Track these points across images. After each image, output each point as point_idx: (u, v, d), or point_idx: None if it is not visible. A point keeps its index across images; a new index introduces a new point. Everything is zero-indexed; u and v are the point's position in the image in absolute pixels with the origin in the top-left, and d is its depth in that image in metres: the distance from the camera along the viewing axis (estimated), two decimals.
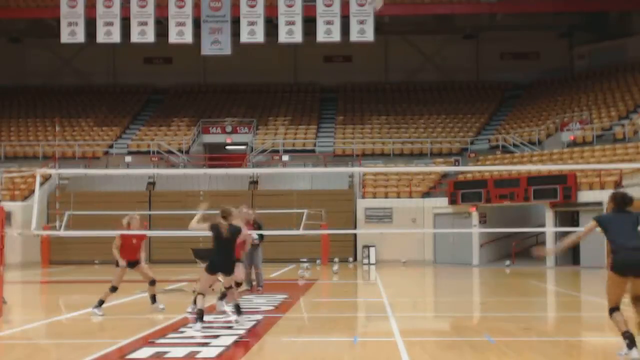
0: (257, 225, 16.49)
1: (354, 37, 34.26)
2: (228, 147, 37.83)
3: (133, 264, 12.36)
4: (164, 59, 41.22)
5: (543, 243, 27.48)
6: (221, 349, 8.67)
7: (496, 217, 27.43)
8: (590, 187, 25.64)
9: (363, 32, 34.08)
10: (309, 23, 34.18)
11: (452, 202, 28.17)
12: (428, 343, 9.54)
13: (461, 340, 9.64)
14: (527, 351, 8.59)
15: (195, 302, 10.76)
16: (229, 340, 9.23)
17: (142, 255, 12.40)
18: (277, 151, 35.16)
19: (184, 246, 19.09)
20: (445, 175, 31.75)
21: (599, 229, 8.28)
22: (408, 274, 24.46)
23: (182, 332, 9.98)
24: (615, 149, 28.78)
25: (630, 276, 7.94)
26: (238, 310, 10.51)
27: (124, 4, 34.54)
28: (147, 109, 40.74)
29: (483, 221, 27.68)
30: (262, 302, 13.61)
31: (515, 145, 33.27)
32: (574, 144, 31.47)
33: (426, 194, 30.56)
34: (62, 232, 25.05)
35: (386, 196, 30.61)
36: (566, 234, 9.37)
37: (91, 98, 41.03)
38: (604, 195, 23.96)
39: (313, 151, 35.50)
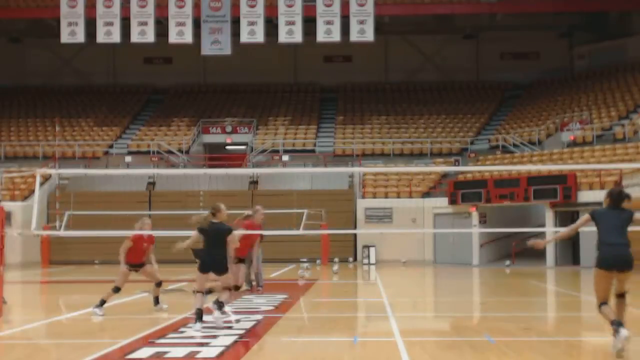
0: None
1: (354, 37, 34.26)
2: (228, 147, 37.83)
3: (138, 266, 12.29)
4: (164, 59, 41.22)
5: None
6: (221, 349, 8.67)
7: (496, 217, 27.43)
8: (590, 187, 25.64)
9: (363, 32, 34.09)
10: (309, 23, 34.18)
11: (452, 202, 28.17)
12: (428, 343, 9.54)
13: (461, 340, 9.64)
14: (527, 351, 8.59)
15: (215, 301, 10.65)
16: (229, 340, 9.23)
17: (152, 257, 12.34)
18: (277, 151, 35.16)
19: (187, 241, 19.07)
20: (445, 175, 31.76)
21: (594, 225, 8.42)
22: (408, 274, 24.46)
23: (182, 332, 9.98)
24: (615, 149, 28.78)
25: (614, 271, 8.10)
26: (220, 306, 10.32)
27: (124, 4, 34.54)
28: (147, 109, 40.75)
29: (483, 221, 27.68)
30: (262, 302, 13.61)
31: (515, 145, 33.28)
32: (574, 144, 31.48)
33: (426, 194, 30.56)
34: (62, 232, 25.06)
35: (386, 196, 30.62)
36: None
37: (91, 98, 41.04)
38: (604, 196, 23.99)
39: (313, 151, 35.50)
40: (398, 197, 30.54)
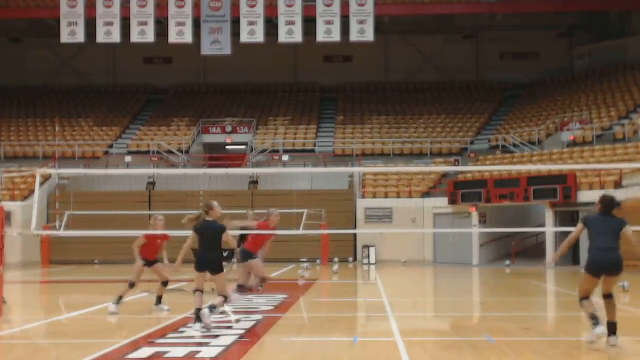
0: None
1: (354, 37, 34.27)
2: (228, 147, 37.84)
3: (151, 263, 12.42)
4: (164, 59, 41.22)
5: (543, 243, 27.51)
6: (221, 349, 8.67)
7: (496, 217, 27.43)
8: (590, 187, 25.63)
9: (363, 32, 34.09)
10: (309, 23, 34.19)
11: (452, 202, 28.17)
12: (428, 343, 9.53)
13: (461, 340, 9.64)
14: (527, 351, 8.59)
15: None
16: (229, 340, 9.23)
17: (165, 254, 12.47)
18: (277, 151, 35.17)
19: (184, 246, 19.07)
20: (445, 175, 31.76)
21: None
22: (408, 274, 24.46)
23: (182, 332, 9.97)
24: (615, 149, 28.78)
25: (603, 275, 8.61)
26: (211, 310, 9.92)
27: (124, 4, 34.55)
28: (147, 109, 40.75)
29: (483, 221, 27.68)
30: (262, 302, 13.61)
31: (515, 145, 33.28)
32: (574, 144, 31.47)
33: (426, 194, 30.56)
34: (62, 232, 25.05)
35: (386, 196, 30.62)
36: (567, 234, 9.56)
37: (91, 98, 41.04)
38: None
39: (313, 151, 35.50)
40: (398, 197, 30.54)
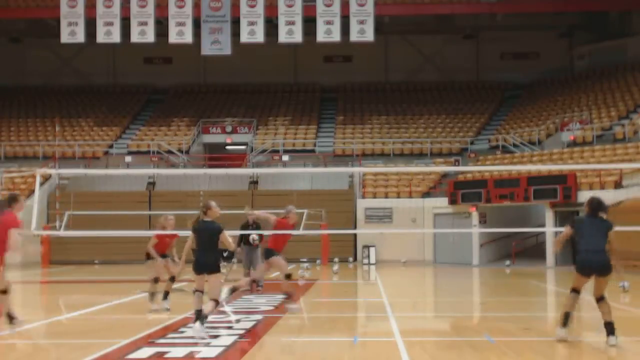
0: (255, 226, 16.53)
1: (354, 37, 34.26)
2: (228, 147, 37.84)
3: (161, 257, 12.77)
4: (164, 59, 41.22)
5: (543, 243, 27.51)
6: (221, 349, 8.67)
7: (496, 217, 27.43)
8: (590, 187, 25.63)
9: (363, 32, 34.08)
10: (309, 23, 34.18)
11: (452, 202, 28.17)
12: (428, 343, 9.54)
13: (461, 340, 9.64)
14: (527, 351, 8.59)
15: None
16: (229, 340, 9.23)
17: (174, 251, 12.88)
18: (277, 151, 35.16)
19: (184, 246, 19.07)
20: (445, 175, 31.75)
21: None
22: (408, 274, 24.46)
23: (182, 332, 9.98)
24: (615, 149, 28.78)
25: (592, 275, 8.92)
26: (201, 317, 9.56)
27: (124, 4, 34.54)
28: (147, 109, 40.75)
29: (483, 221, 27.68)
30: (262, 302, 13.61)
31: (515, 145, 33.28)
32: (574, 144, 31.47)
33: (426, 194, 30.56)
34: (62, 232, 25.04)
35: (386, 196, 30.61)
36: None
37: (91, 98, 41.04)
38: (604, 195, 23.90)
39: (313, 151, 35.49)
40: (398, 197, 30.53)
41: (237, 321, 10.78)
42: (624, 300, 14.57)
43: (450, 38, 40.97)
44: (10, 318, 10.13)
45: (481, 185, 27.69)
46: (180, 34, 34.48)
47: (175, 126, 37.94)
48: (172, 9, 34.43)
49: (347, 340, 9.63)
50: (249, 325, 10.56)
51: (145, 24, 34.54)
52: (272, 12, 34.62)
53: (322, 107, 40.49)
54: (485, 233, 27.30)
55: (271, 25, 34.90)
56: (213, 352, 8.44)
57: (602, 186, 25.17)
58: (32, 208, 12.08)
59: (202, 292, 10.13)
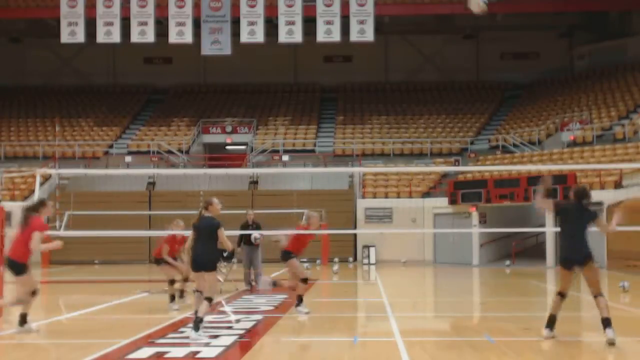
0: (255, 226, 16.55)
1: (354, 37, 34.25)
2: (228, 147, 37.83)
3: (159, 262, 13.30)
4: (164, 59, 41.22)
5: (543, 243, 27.50)
6: (221, 349, 8.67)
7: (496, 217, 27.42)
8: (590, 187, 25.59)
9: (363, 32, 34.08)
10: (309, 23, 34.17)
11: (452, 202, 28.16)
12: (428, 343, 9.53)
13: (461, 340, 9.64)
14: (527, 351, 8.59)
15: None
16: (229, 340, 9.23)
17: (183, 257, 13.25)
18: (277, 151, 35.16)
19: (186, 247, 19.11)
20: (445, 175, 31.75)
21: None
22: (408, 274, 24.46)
23: (182, 332, 9.97)
24: (615, 149, 28.78)
25: (575, 267, 9.04)
26: (197, 323, 9.44)
27: (124, 4, 34.53)
28: (147, 109, 40.75)
29: (483, 221, 27.67)
30: (262, 302, 13.62)
31: (515, 145, 33.28)
32: (574, 144, 31.47)
33: (426, 194, 30.55)
34: (62, 232, 24.97)
35: (386, 196, 30.61)
36: None
37: (91, 98, 41.04)
38: (604, 195, 24.01)
39: (313, 151, 35.49)
40: (398, 197, 30.53)
41: (237, 321, 10.78)
42: (624, 300, 14.57)
43: (450, 38, 40.97)
44: (23, 320, 10.15)
45: (481, 185, 27.69)
46: (180, 34, 34.47)
47: (175, 126, 37.94)
48: (172, 9, 34.43)
49: (347, 340, 9.63)
50: (249, 325, 10.56)
51: (145, 24, 34.54)
52: (272, 12, 34.61)
53: (322, 107, 40.48)
54: (485, 233, 27.29)
55: (271, 25, 34.90)
56: (213, 352, 8.44)
57: (602, 186, 25.17)
58: None
59: (202, 292, 10.12)
